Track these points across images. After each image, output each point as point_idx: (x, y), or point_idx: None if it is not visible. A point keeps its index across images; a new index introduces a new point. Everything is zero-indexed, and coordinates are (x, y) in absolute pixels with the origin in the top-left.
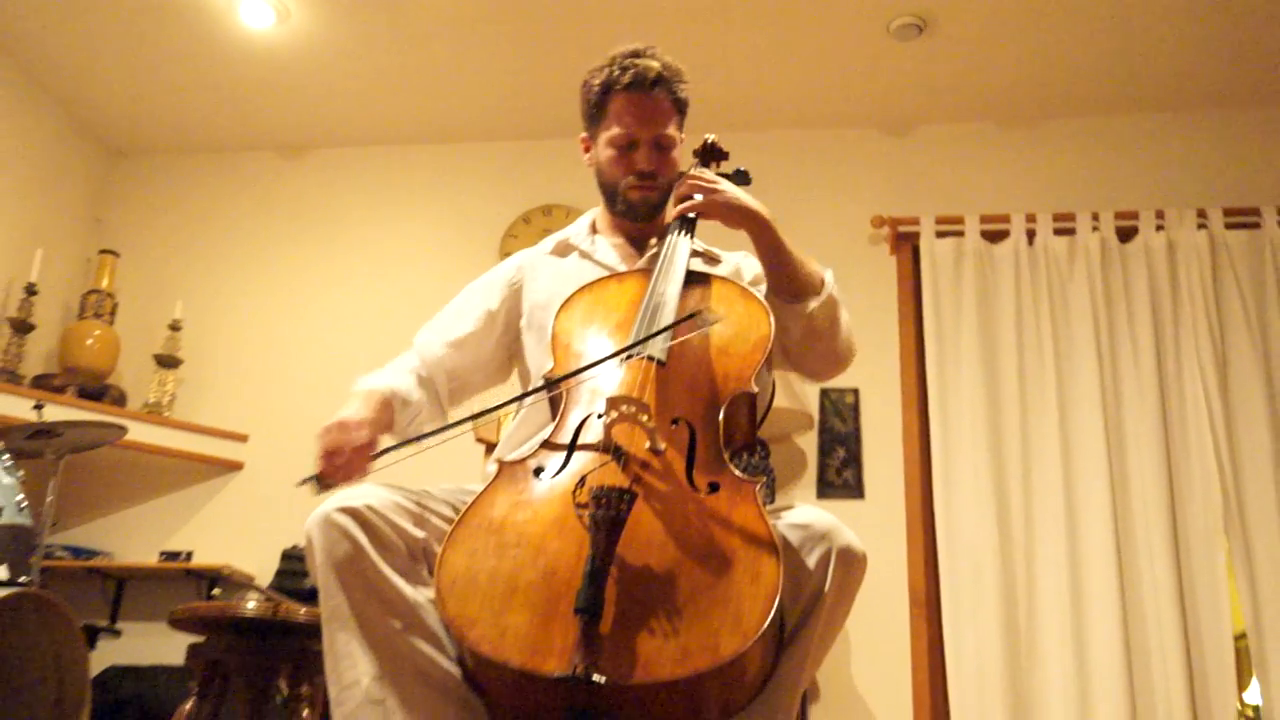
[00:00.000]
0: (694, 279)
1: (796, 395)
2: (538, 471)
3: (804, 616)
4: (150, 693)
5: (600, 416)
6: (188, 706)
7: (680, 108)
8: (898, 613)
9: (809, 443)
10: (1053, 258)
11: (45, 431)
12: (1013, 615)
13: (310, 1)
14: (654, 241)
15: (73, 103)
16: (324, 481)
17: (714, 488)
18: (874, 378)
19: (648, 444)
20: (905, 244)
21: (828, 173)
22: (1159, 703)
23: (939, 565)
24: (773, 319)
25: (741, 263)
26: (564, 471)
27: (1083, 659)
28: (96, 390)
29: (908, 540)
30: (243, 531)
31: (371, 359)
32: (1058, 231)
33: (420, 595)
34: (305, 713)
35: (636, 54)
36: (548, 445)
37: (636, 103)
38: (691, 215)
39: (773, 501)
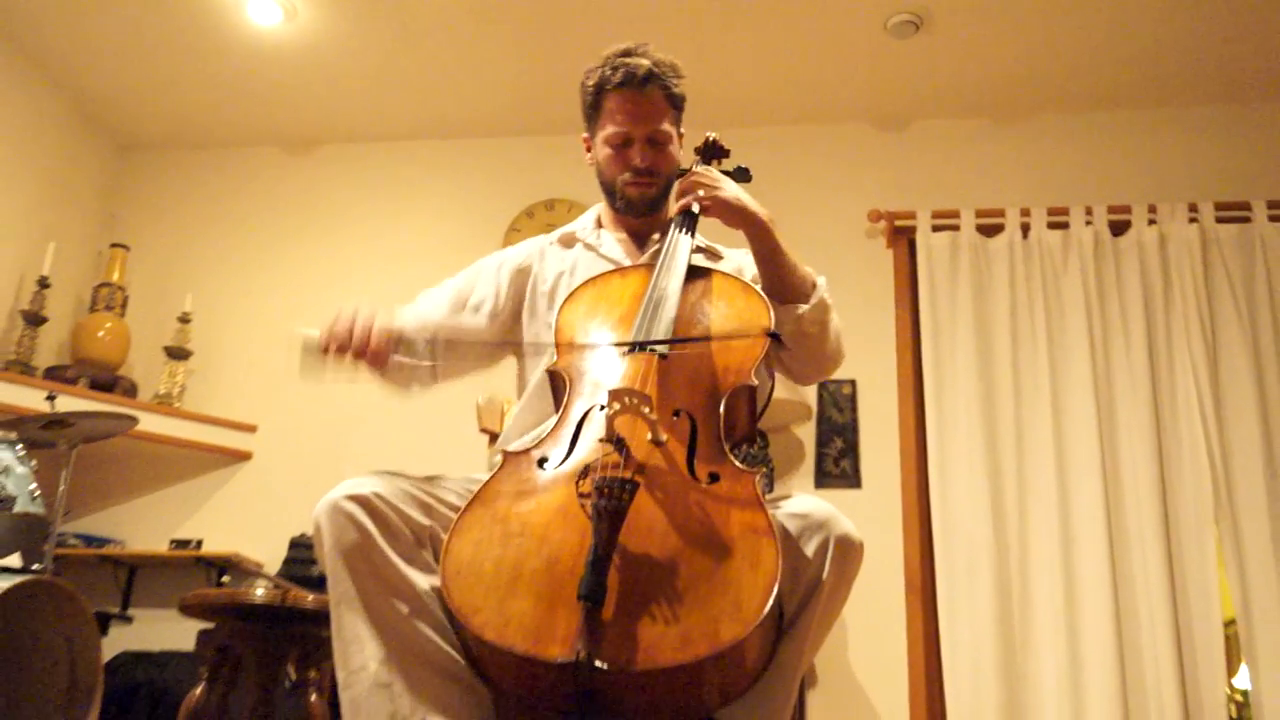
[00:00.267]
0: (695, 273)
1: (795, 387)
2: (541, 462)
3: (802, 604)
4: (161, 678)
5: (603, 408)
6: (198, 691)
7: (675, 103)
8: (894, 600)
9: (807, 433)
10: (1047, 251)
11: (58, 422)
12: (1006, 601)
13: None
14: (656, 237)
15: (84, 99)
16: (326, 346)
17: (714, 478)
18: (871, 369)
19: (649, 435)
20: (902, 238)
21: (825, 168)
22: (1150, 688)
23: (934, 553)
24: (773, 313)
25: (743, 260)
26: (567, 462)
27: (1075, 645)
28: (108, 381)
29: (903, 529)
30: (251, 520)
31: None
32: (1052, 225)
33: (426, 582)
34: (313, 697)
35: (628, 53)
36: (551, 436)
37: (629, 100)
38: (694, 211)
39: (771, 491)
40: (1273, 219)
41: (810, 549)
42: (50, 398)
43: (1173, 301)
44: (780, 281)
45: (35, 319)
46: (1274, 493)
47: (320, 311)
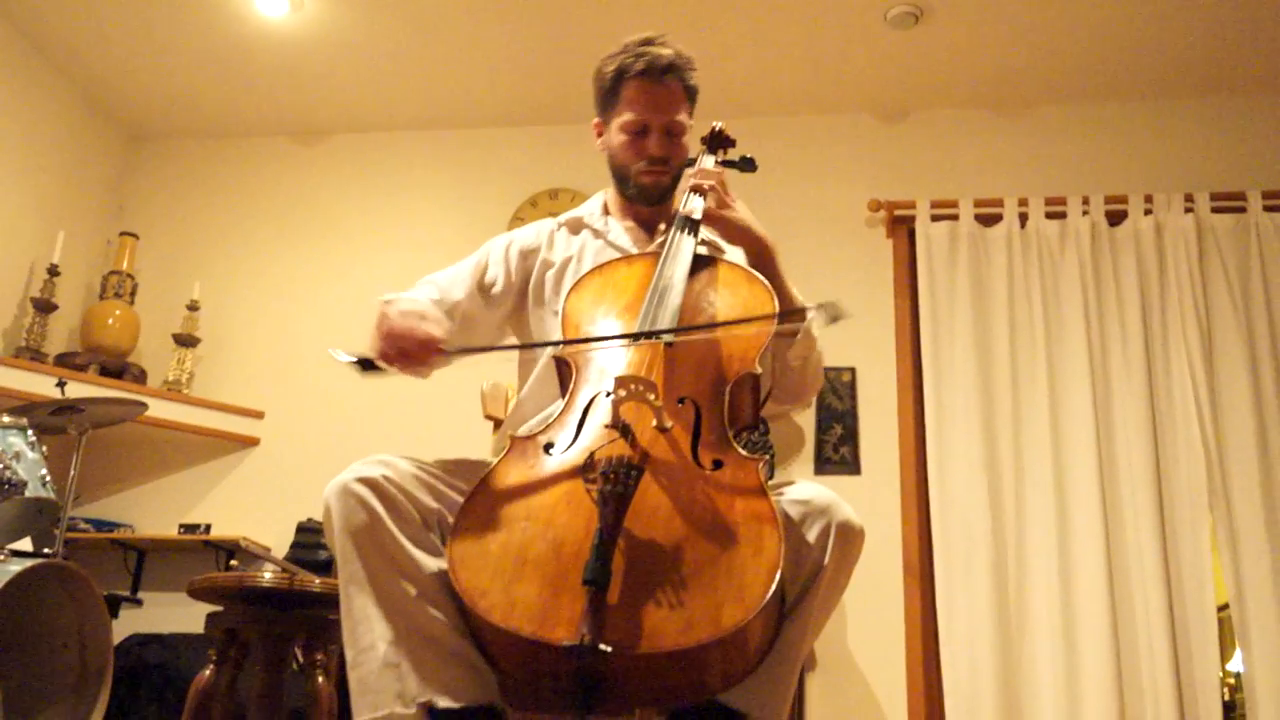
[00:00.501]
0: (700, 262)
1: None
2: (548, 447)
3: (804, 589)
4: (170, 660)
5: (608, 395)
6: (207, 673)
7: (690, 95)
8: (892, 584)
9: (807, 420)
10: (1044, 241)
11: (68, 408)
12: (1003, 586)
13: None
14: (663, 227)
15: (93, 89)
16: (376, 365)
17: (718, 464)
18: (870, 357)
19: (654, 422)
20: (901, 227)
21: (826, 158)
22: (1144, 671)
23: (932, 539)
24: (776, 301)
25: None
26: (573, 448)
27: (1070, 629)
28: (117, 368)
29: (902, 514)
30: (259, 505)
31: None
32: (1049, 215)
33: (434, 564)
34: (320, 679)
35: (649, 42)
36: (558, 422)
37: (649, 90)
38: (696, 218)
39: (772, 478)
40: (1268, 209)
41: (812, 535)
42: (60, 384)
43: (1168, 290)
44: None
45: (45, 306)
46: (1268, 479)
47: (327, 298)
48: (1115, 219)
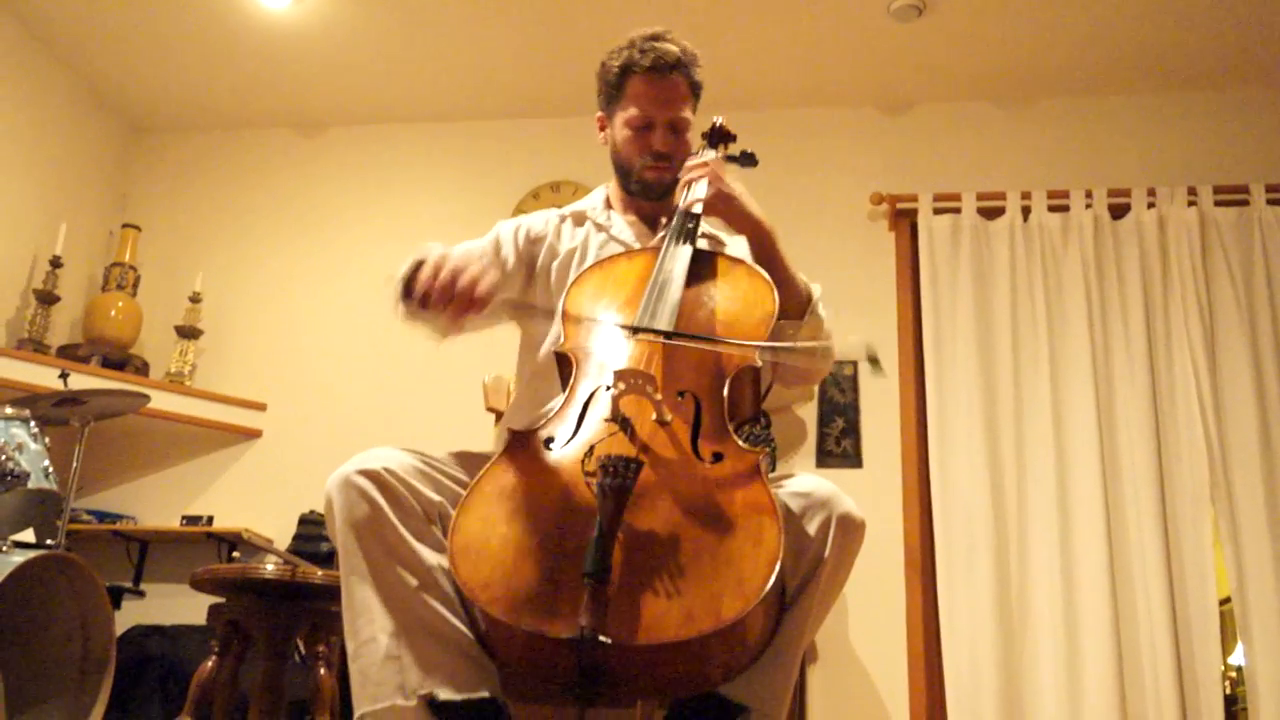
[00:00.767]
0: (700, 256)
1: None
2: (548, 441)
3: (804, 581)
4: (173, 651)
5: (608, 389)
6: (209, 664)
7: (695, 91)
8: (894, 577)
9: (809, 413)
10: (1047, 234)
11: (71, 400)
12: (1005, 580)
13: None
14: (665, 221)
15: (95, 81)
16: (420, 297)
17: (718, 457)
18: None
19: (654, 415)
20: (903, 221)
21: (828, 151)
22: (1146, 665)
23: (934, 532)
24: (777, 295)
25: (745, 249)
26: (573, 441)
27: (1072, 623)
28: (120, 360)
29: (904, 507)
30: (261, 497)
31: (385, 331)
32: (1052, 208)
33: (435, 557)
34: (322, 671)
35: (656, 37)
36: (558, 416)
37: (654, 85)
38: (695, 211)
39: (774, 470)
40: (1271, 202)
41: (812, 527)
42: (63, 376)
43: (1171, 284)
44: (780, 290)
45: (48, 298)
46: (1270, 473)
47: (330, 291)
48: (1118, 212)
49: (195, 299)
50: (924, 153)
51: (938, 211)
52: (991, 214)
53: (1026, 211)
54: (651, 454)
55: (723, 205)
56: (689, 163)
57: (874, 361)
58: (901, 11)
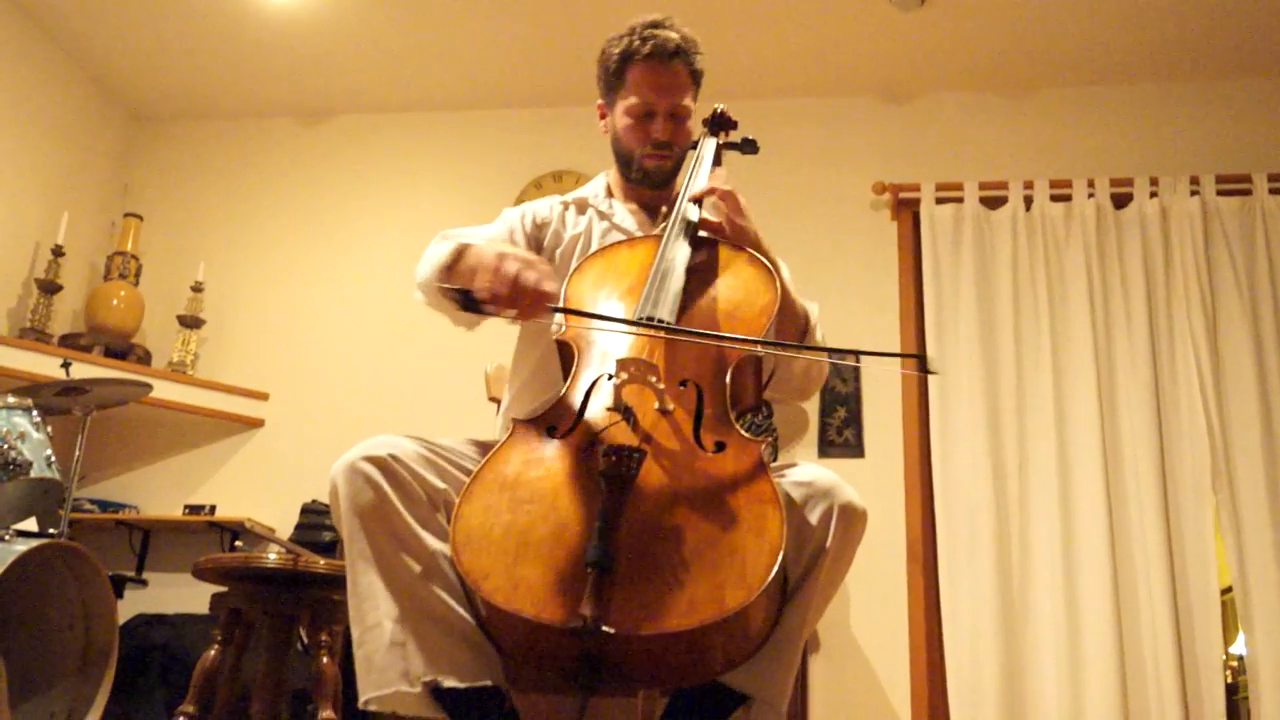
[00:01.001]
0: (701, 244)
1: None
2: (550, 430)
3: (807, 571)
4: (175, 640)
5: (611, 378)
6: (212, 653)
7: (696, 79)
8: (896, 567)
9: (811, 403)
10: (1049, 223)
11: (73, 389)
12: (1006, 569)
13: None
14: (666, 209)
15: (98, 70)
16: (483, 305)
17: (720, 447)
18: (875, 340)
19: (656, 404)
20: (906, 210)
21: (830, 140)
22: (1147, 654)
23: (936, 521)
24: (779, 284)
25: None
26: (576, 430)
27: (1074, 612)
28: (122, 349)
29: (905, 497)
30: (263, 486)
31: (386, 320)
32: (1055, 198)
33: (439, 545)
34: (324, 660)
35: (656, 25)
36: (560, 405)
37: (655, 73)
38: (702, 236)
39: (775, 460)
40: (1274, 192)
41: (814, 517)
42: (65, 365)
43: (1173, 273)
44: (779, 315)
45: (50, 287)
46: (1272, 462)
47: (332, 280)
48: (1120, 202)
49: (197, 288)
50: (927, 142)
51: (940, 201)
52: (994, 203)
53: (1029, 201)
54: (654, 443)
55: (731, 231)
56: (698, 174)
57: (922, 362)
58: (904, 0)
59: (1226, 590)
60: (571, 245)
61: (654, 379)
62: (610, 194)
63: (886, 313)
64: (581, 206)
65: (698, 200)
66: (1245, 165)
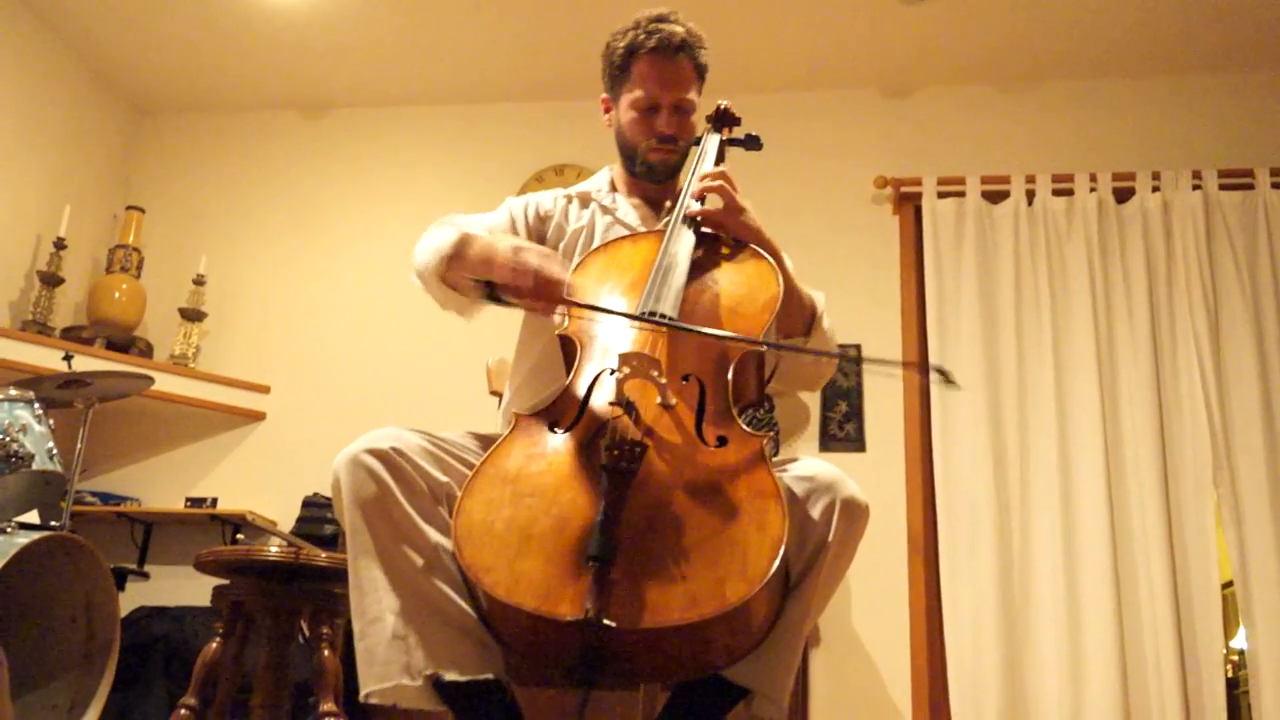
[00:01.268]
0: (704, 239)
1: None
2: (553, 425)
3: (808, 565)
4: (177, 632)
5: (613, 372)
6: (213, 646)
7: (701, 73)
8: (897, 561)
9: (812, 397)
10: (1051, 218)
11: (75, 381)
12: (1007, 563)
13: None
14: (669, 204)
15: (99, 63)
16: (506, 297)
17: (722, 441)
18: (876, 334)
19: (658, 399)
20: (908, 204)
21: (832, 134)
22: (1148, 648)
23: (937, 516)
24: (781, 279)
25: None
26: (578, 425)
27: (1074, 607)
28: (124, 342)
29: (907, 491)
30: (265, 479)
31: (388, 313)
32: (1056, 192)
33: (441, 538)
34: (326, 652)
35: (662, 19)
36: (562, 399)
37: (660, 67)
38: (703, 230)
39: (777, 454)
40: (1276, 186)
41: (816, 511)
42: (67, 358)
43: (1175, 268)
44: (784, 307)
45: (52, 280)
46: (1273, 456)
47: (334, 273)
48: (1122, 196)
49: (199, 281)
50: (928, 136)
51: (942, 195)
52: (996, 197)
53: (1031, 195)
54: (656, 438)
55: (736, 226)
56: (701, 169)
57: (943, 375)
58: None
59: (1227, 584)
60: (574, 239)
61: (656, 374)
62: (614, 188)
63: (888, 307)
64: (585, 200)
65: (700, 196)
66: (1248, 159)
